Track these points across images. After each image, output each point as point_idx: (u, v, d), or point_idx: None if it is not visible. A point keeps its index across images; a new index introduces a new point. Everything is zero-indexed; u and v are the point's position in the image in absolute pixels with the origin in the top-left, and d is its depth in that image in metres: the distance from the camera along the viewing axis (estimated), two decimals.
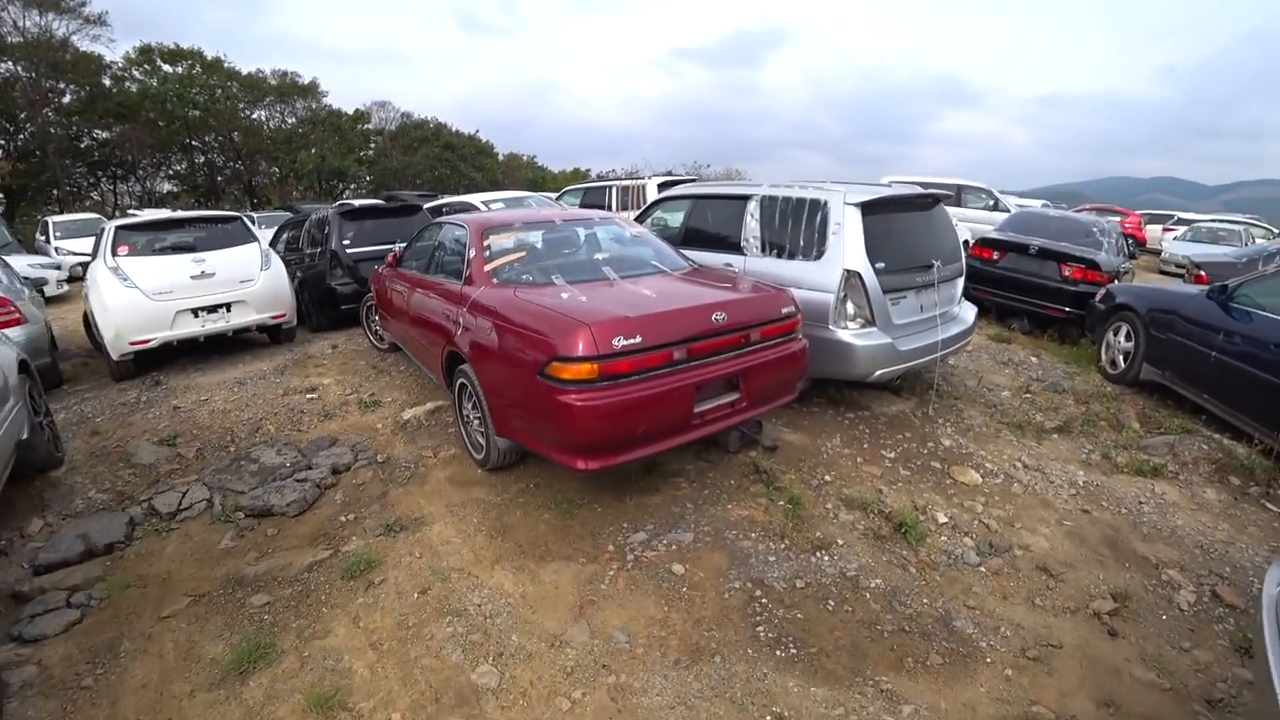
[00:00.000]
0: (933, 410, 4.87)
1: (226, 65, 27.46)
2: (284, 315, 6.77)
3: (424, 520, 3.49)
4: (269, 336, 7.28)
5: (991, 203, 12.10)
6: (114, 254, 6.10)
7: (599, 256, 4.10)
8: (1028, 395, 5.37)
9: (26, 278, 11.44)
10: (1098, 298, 6.36)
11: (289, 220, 9.41)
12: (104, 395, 6.04)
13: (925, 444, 4.36)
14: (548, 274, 3.81)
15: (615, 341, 2.90)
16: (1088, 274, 6.98)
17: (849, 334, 4.25)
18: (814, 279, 4.37)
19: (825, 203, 4.44)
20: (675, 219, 5.82)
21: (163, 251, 6.30)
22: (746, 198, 4.96)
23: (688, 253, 5.22)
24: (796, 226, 4.57)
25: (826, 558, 3.13)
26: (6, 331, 5.68)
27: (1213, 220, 17.49)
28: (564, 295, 3.42)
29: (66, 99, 23.10)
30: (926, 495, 3.75)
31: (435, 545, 3.26)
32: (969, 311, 5.22)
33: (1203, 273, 8.44)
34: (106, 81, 24.48)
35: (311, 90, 30.36)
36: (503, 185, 30.98)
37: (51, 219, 15.02)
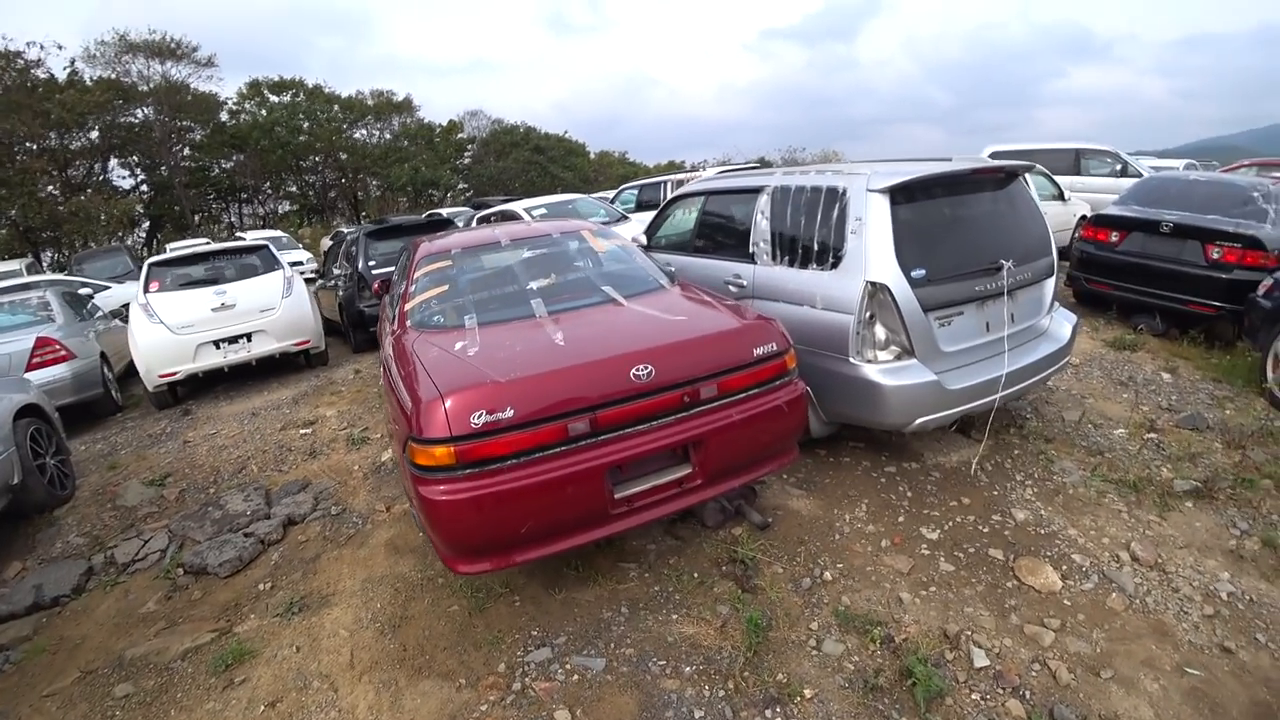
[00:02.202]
0: (1010, 460, 3.76)
1: (327, 90, 29.91)
2: (308, 341, 6.82)
3: (330, 599, 3.10)
4: (304, 359, 7.44)
5: (1119, 167, 10.10)
6: (145, 290, 6.40)
7: (533, 285, 3.46)
8: (1152, 435, 4.03)
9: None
10: (1262, 289, 4.77)
11: (339, 238, 9.68)
12: (142, 425, 6.31)
13: (989, 516, 3.29)
14: (461, 313, 3.22)
15: (475, 418, 2.27)
16: (1246, 255, 5.28)
17: (876, 369, 3.31)
18: (830, 294, 3.46)
19: (843, 191, 3.49)
20: (688, 222, 5.14)
21: (188, 285, 6.53)
22: (757, 190, 4.09)
23: (700, 261, 4.54)
24: (810, 224, 3.66)
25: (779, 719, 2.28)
26: (49, 370, 6.10)
27: None
28: (457, 346, 2.82)
29: (196, 135, 26.18)
30: (969, 610, 2.70)
31: (322, 637, 2.84)
32: (1064, 324, 4.03)
33: None
34: (224, 116, 27.53)
35: (406, 106, 32.24)
36: (594, 183, 31.20)
37: (170, 245, 16.68)
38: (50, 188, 21.20)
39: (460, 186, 33.22)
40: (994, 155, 8.99)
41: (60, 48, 25.08)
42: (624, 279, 3.61)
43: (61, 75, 22.26)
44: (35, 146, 20.89)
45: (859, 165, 3.82)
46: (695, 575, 2.99)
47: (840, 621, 2.68)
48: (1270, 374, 4.59)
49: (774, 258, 3.95)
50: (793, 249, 3.82)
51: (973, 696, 2.33)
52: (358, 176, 30.90)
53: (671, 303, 3.36)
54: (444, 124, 33.93)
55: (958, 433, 4.10)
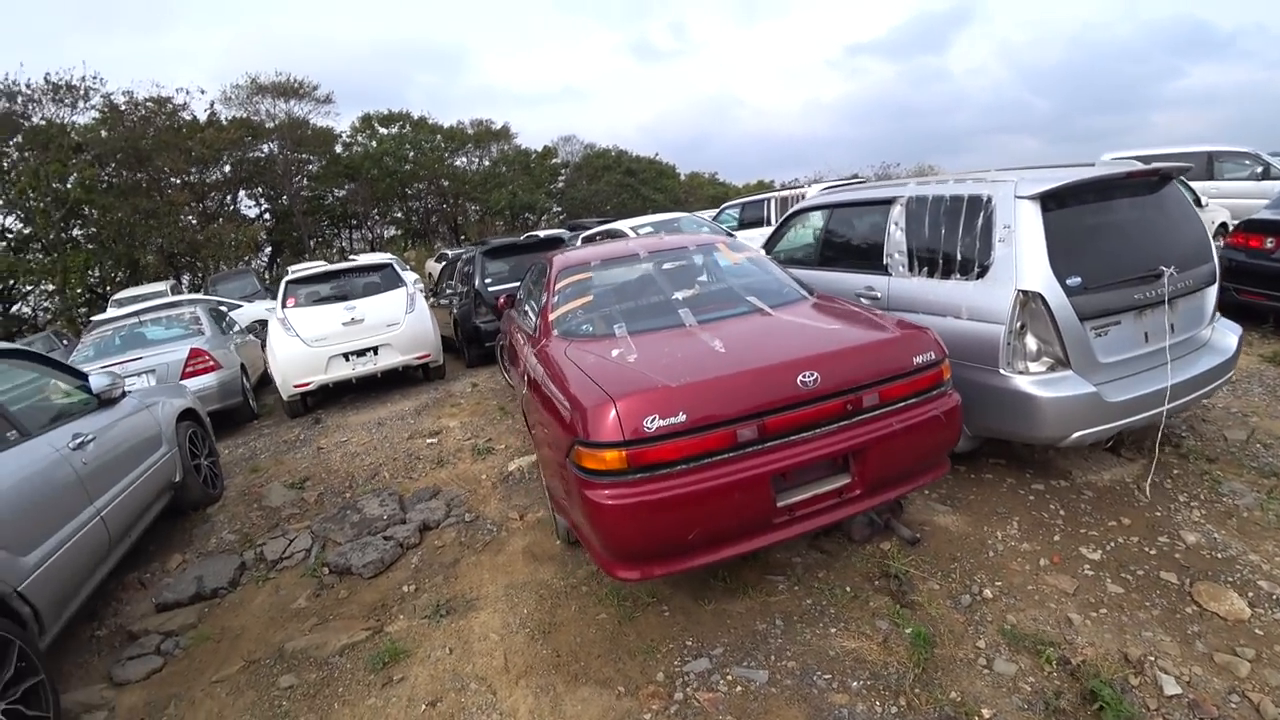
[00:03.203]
0: (1170, 480, 3.45)
1: (430, 122, 31.56)
2: (429, 355, 7.10)
3: (475, 603, 3.11)
4: (422, 373, 7.75)
5: (1260, 170, 9.12)
6: (284, 306, 6.85)
7: (680, 295, 3.43)
8: None
9: (262, 320, 13.70)
10: None
11: (454, 257, 10.10)
12: (277, 432, 6.72)
13: (1154, 538, 3.02)
14: (611, 322, 3.23)
15: (648, 422, 2.24)
16: None
17: (1030, 381, 3.14)
18: (977, 304, 3.32)
19: (988, 199, 3.36)
20: (811, 235, 5.03)
21: (320, 301, 6.93)
22: (890, 201, 3.99)
23: (826, 274, 4.45)
24: (952, 234, 3.53)
25: None
26: (200, 379, 6.58)
27: None
28: (613, 353, 2.81)
29: (312, 167, 28.25)
30: (1148, 634, 2.47)
31: (472, 640, 2.84)
32: (1228, 335, 3.72)
33: None
34: (338, 149, 29.54)
35: (504, 134, 33.51)
36: (686, 204, 31.45)
37: (291, 267, 17.96)
38: (190, 218, 23.32)
39: (555, 210, 34.31)
40: (1112, 162, 8.39)
41: (203, 92, 27.82)
42: (765, 289, 3.55)
43: (202, 117, 24.52)
44: (179, 181, 23.07)
45: (1000, 173, 3.65)
46: (848, 589, 2.87)
47: (1009, 641, 2.51)
48: None
49: (911, 268, 3.84)
50: (932, 259, 3.69)
51: None
52: (458, 202, 32.46)
53: (819, 312, 3.29)
54: (539, 149, 35.17)
55: (1107, 451, 3.82)
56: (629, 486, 2.27)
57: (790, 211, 5.36)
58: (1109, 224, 3.47)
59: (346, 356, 6.66)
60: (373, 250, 25.94)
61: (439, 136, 31.38)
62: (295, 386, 6.59)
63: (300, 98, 26.49)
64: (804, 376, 2.46)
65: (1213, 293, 3.70)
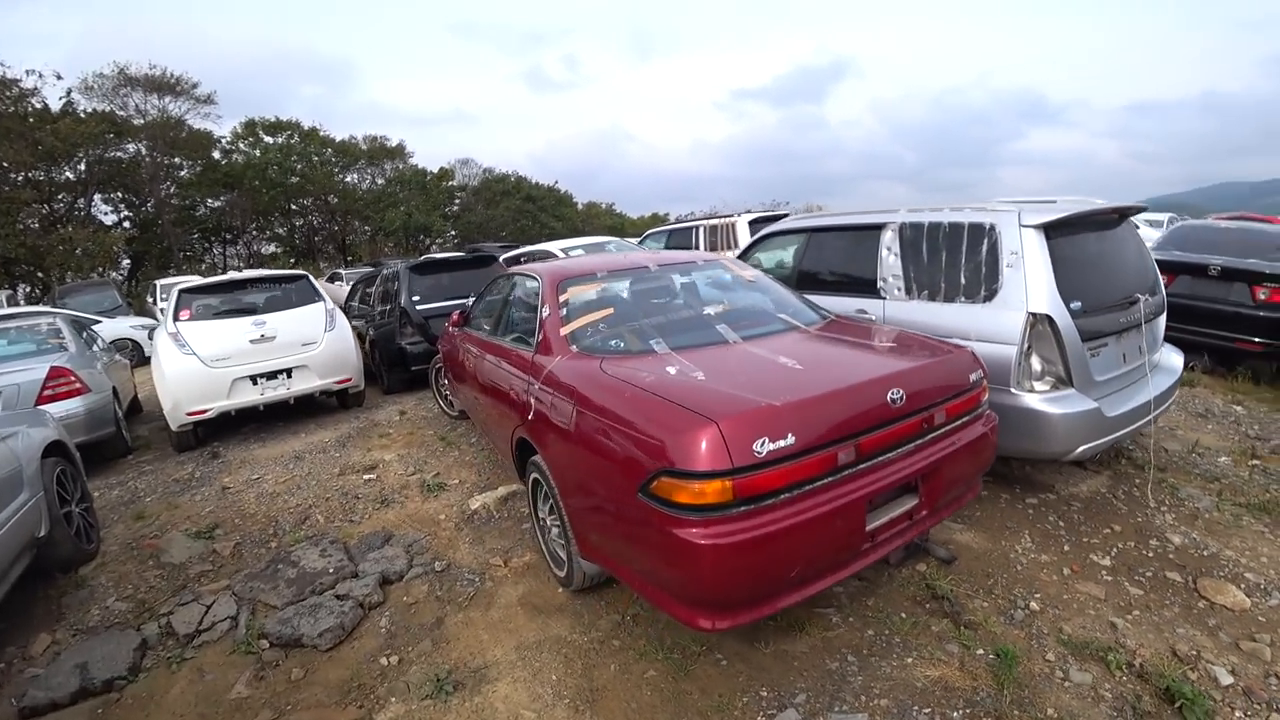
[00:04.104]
0: (1136, 489, 3.62)
1: (322, 134, 29.09)
2: (349, 379, 6.15)
3: (487, 672, 2.51)
4: (337, 400, 6.77)
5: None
6: (175, 319, 5.70)
7: (709, 311, 3.12)
8: (1256, 461, 4.01)
9: (126, 339, 11.75)
10: None
11: (363, 276, 9.12)
12: (162, 469, 5.55)
13: (1146, 541, 3.15)
14: (645, 337, 2.84)
15: (758, 446, 1.89)
16: None
17: (1039, 399, 3.17)
18: (985, 327, 3.31)
19: (992, 226, 3.38)
20: (785, 258, 4.87)
21: (223, 315, 5.82)
22: (880, 227, 3.95)
23: (811, 299, 4.36)
24: (954, 259, 3.52)
25: None
26: (63, 404, 5.35)
27: None
28: (670, 369, 2.44)
29: (184, 173, 25.14)
30: (1181, 631, 2.53)
31: None
32: (1174, 357, 4.06)
33: None
34: (216, 154, 26.45)
35: (399, 152, 31.65)
36: (583, 233, 31.19)
37: (158, 281, 15.71)
38: (32, 221, 19.88)
39: (450, 233, 32.75)
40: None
41: (59, 78, 23.97)
42: (789, 308, 3.32)
43: (56, 105, 20.92)
44: (22, 177, 19.59)
45: (997, 203, 3.68)
46: (903, 615, 2.67)
47: (1072, 650, 2.46)
48: None
49: (909, 292, 3.80)
50: (933, 283, 3.66)
51: (1236, 714, 2.16)
52: (347, 220, 30.12)
53: (855, 331, 3.11)
54: (435, 170, 33.48)
55: (1073, 465, 3.94)
56: (733, 522, 1.89)
57: (760, 234, 5.22)
58: (1094, 254, 3.60)
59: (254, 379, 5.61)
60: (252, 268, 23.46)
61: (330, 150, 29.07)
62: (189, 414, 5.44)
63: (177, 94, 23.36)
64: (893, 394, 2.25)
65: (1163, 320, 3.99)
